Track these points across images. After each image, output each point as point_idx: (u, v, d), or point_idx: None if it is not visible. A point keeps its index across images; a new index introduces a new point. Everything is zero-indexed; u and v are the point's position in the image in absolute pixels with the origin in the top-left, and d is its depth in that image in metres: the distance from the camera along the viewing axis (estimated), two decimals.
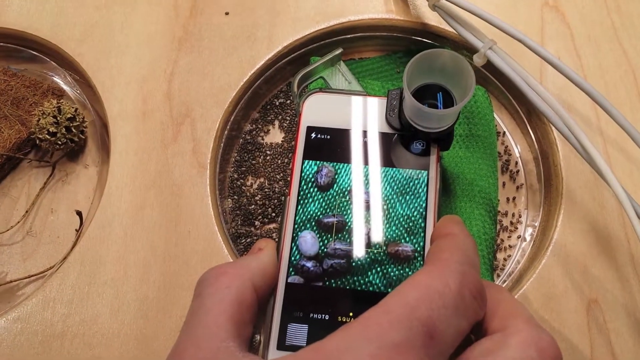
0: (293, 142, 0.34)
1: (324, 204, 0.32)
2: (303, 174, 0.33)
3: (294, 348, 0.29)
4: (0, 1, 0.53)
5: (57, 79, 0.53)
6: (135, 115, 0.49)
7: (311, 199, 0.32)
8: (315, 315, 0.29)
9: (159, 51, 0.51)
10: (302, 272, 0.31)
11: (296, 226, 0.32)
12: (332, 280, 0.30)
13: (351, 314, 0.29)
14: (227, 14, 0.52)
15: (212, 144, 0.47)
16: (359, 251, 0.31)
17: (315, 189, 0.33)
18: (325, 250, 0.31)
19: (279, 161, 0.48)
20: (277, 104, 0.51)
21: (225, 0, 0.53)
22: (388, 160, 0.33)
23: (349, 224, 0.32)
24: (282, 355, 0.26)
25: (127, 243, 0.44)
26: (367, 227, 0.31)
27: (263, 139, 0.50)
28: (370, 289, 0.30)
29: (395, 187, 0.32)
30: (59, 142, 0.47)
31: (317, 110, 0.35)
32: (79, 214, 0.46)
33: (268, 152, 0.49)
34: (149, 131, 0.48)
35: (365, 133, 0.34)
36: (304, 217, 0.32)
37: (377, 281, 0.30)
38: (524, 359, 0.23)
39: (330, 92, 0.36)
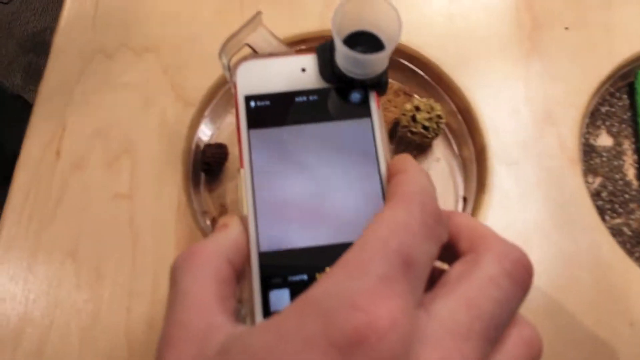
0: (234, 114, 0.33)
1: None
2: (251, 144, 0.33)
3: None
4: None
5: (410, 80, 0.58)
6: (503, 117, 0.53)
7: None
8: (294, 278, 0.29)
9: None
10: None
11: (255, 195, 0.32)
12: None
13: (327, 269, 0.29)
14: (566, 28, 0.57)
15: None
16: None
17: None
18: None
19: (615, 163, 0.54)
20: (604, 111, 0.56)
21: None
22: (330, 115, 0.33)
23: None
24: None
25: None
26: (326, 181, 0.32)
27: (595, 142, 0.55)
28: (341, 240, 0.30)
29: (343, 139, 0.33)
30: (428, 137, 0.52)
31: (251, 79, 0.34)
32: (465, 199, 0.51)
33: (604, 154, 0.54)
34: (518, 129, 0.52)
35: (303, 92, 0.34)
36: None
37: (346, 231, 0.31)
38: (499, 273, 0.24)
39: (259, 57, 0.36)
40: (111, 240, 0.47)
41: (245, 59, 0.35)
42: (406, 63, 0.56)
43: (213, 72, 0.54)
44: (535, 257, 0.46)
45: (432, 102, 0.52)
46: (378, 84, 0.34)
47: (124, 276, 0.46)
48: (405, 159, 0.30)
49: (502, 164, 0.51)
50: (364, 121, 0.33)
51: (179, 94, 0.53)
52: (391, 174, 0.30)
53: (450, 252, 0.27)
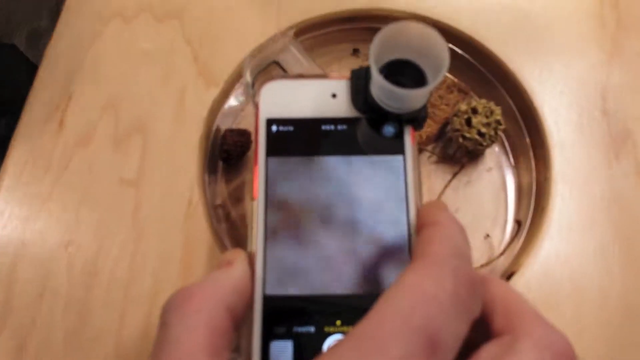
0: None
1: None
2: (269, 173, 0.30)
3: None
4: None
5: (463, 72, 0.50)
6: (572, 129, 0.46)
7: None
8: (300, 329, 0.27)
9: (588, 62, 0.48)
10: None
11: (267, 232, 0.29)
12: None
13: (338, 322, 0.27)
14: None
15: None
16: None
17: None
18: None
19: None
20: None
21: None
22: (359, 148, 0.31)
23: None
24: None
25: None
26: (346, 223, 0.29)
27: None
28: (357, 292, 0.27)
29: (370, 176, 0.30)
30: (483, 144, 0.45)
31: (275, 101, 0.32)
32: (519, 223, 0.44)
33: None
34: (588, 146, 0.45)
35: (330, 120, 0.31)
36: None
37: (364, 282, 0.28)
38: None
39: (287, 78, 0.33)
40: (111, 233, 0.42)
41: (271, 78, 0.33)
42: (465, 55, 0.49)
43: (243, 50, 0.47)
44: (594, 300, 0.40)
45: (492, 104, 0.45)
46: (415, 119, 0.31)
47: (120, 276, 0.40)
48: (439, 207, 0.27)
49: (566, 184, 0.43)
50: (396, 159, 0.30)
51: (202, 70, 0.47)
52: (421, 225, 0.26)
53: (479, 324, 0.24)
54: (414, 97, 0.30)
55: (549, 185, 0.43)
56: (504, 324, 0.23)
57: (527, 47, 0.48)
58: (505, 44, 0.48)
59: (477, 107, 0.44)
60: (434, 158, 0.48)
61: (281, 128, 0.31)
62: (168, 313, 0.25)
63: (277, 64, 0.38)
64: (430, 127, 0.47)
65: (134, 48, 0.48)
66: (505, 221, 0.45)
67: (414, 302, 0.21)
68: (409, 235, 0.28)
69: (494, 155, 0.48)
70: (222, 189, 0.46)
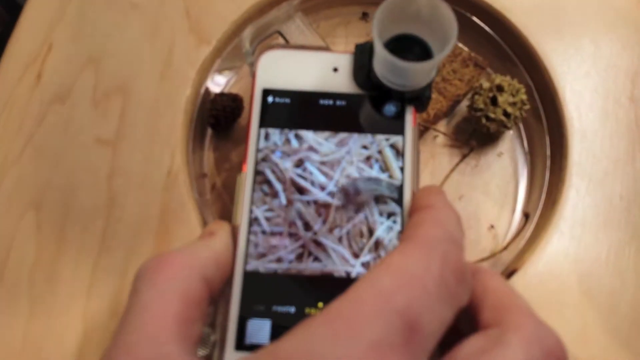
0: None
1: None
2: (260, 146, 0.29)
3: (255, 347, 0.25)
4: None
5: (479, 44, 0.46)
6: (596, 117, 0.42)
7: None
8: (279, 308, 0.26)
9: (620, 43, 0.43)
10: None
11: (253, 206, 0.28)
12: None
13: (320, 305, 0.26)
14: None
15: None
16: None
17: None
18: None
19: None
20: None
21: None
22: (357, 125, 0.30)
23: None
24: (238, 358, 0.24)
25: None
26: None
27: None
28: (342, 273, 0.27)
29: (366, 156, 0.29)
30: (507, 126, 0.41)
31: (273, 70, 0.31)
32: (527, 215, 0.41)
33: None
34: (611, 136, 0.41)
35: (330, 95, 0.30)
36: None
37: (351, 264, 0.27)
38: None
39: (287, 48, 0.32)
40: (82, 198, 0.39)
41: (271, 47, 0.32)
42: (483, 25, 0.45)
43: (240, 7, 0.43)
44: (603, 306, 0.36)
45: (515, 82, 0.41)
46: (418, 99, 0.30)
47: (90, 246, 0.37)
48: (435, 192, 0.26)
49: (583, 178, 0.39)
50: (395, 139, 0.29)
51: (193, 25, 0.43)
52: (415, 208, 0.26)
53: (467, 316, 0.23)
54: (418, 72, 0.28)
55: (563, 177, 0.39)
56: (493, 317, 0.22)
57: (553, 20, 0.43)
58: (529, 15, 0.43)
59: (503, 85, 0.40)
60: (442, 138, 0.44)
61: (277, 99, 0.30)
62: (140, 279, 0.23)
63: (279, 34, 0.36)
64: (439, 104, 0.43)
65: None
66: (513, 212, 0.42)
67: (397, 282, 0.20)
68: (402, 217, 0.27)
69: (507, 139, 0.44)
70: (209, 157, 0.43)
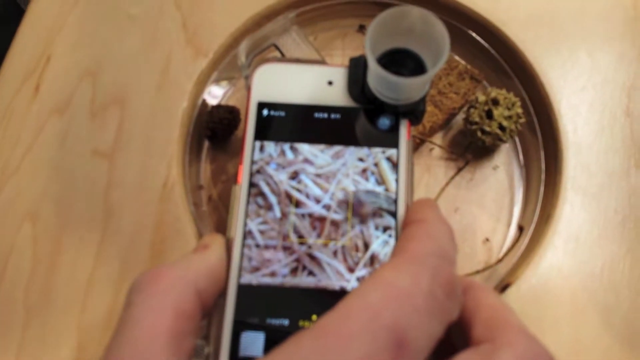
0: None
1: None
2: (255, 158, 0.29)
3: None
4: None
5: (475, 57, 0.46)
6: (591, 131, 0.42)
7: None
8: (273, 321, 0.26)
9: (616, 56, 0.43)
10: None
11: (248, 218, 0.28)
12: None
13: (314, 317, 0.26)
14: None
15: None
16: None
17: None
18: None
19: None
20: None
21: None
22: (352, 139, 0.30)
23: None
24: None
25: None
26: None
27: None
28: (337, 288, 0.27)
29: (360, 170, 0.29)
30: (503, 139, 0.41)
31: (269, 84, 0.31)
32: (521, 228, 0.41)
33: None
34: (606, 150, 0.41)
35: (324, 108, 0.31)
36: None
37: (344, 278, 0.27)
38: None
39: (283, 61, 0.33)
40: (79, 210, 0.39)
41: (267, 60, 0.32)
42: (479, 39, 0.45)
43: (237, 19, 0.43)
44: (596, 322, 0.36)
45: (511, 95, 0.41)
46: (413, 112, 0.30)
47: (86, 258, 0.38)
48: (428, 205, 0.26)
49: (578, 193, 0.39)
50: (390, 152, 0.29)
51: (190, 37, 0.43)
52: (407, 221, 0.26)
53: (459, 331, 0.23)
54: (411, 86, 0.28)
55: (558, 191, 0.39)
56: (485, 333, 0.22)
57: (549, 34, 0.44)
58: (525, 29, 0.43)
59: (498, 98, 0.40)
60: (437, 151, 0.44)
61: (272, 112, 0.30)
62: (134, 293, 0.23)
63: (275, 47, 0.36)
64: (435, 117, 0.44)
65: (121, 10, 0.44)
66: (509, 225, 0.42)
67: (386, 297, 0.20)
68: (397, 231, 0.27)
69: (502, 152, 0.44)
70: (205, 169, 0.44)
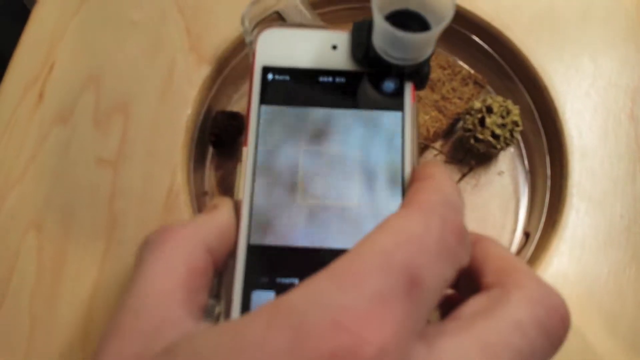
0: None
1: None
2: (261, 121, 0.29)
3: None
4: None
5: (479, 62, 0.46)
6: (595, 136, 0.41)
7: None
8: (284, 280, 0.26)
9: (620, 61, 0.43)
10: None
11: (255, 180, 0.28)
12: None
13: None
14: None
15: None
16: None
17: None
18: None
19: None
20: None
21: None
22: (356, 102, 0.30)
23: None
24: None
25: None
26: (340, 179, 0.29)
27: None
28: (346, 246, 0.27)
29: (366, 132, 0.29)
30: (496, 147, 0.41)
31: (273, 49, 0.31)
32: (527, 235, 0.41)
33: None
34: (611, 155, 0.41)
35: (329, 72, 0.31)
36: None
37: (353, 237, 0.27)
38: (529, 319, 0.20)
39: (287, 26, 0.33)
40: (84, 219, 0.39)
41: (270, 25, 0.32)
42: (482, 44, 0.45)
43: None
44: (602, 328, 0.36)
45: (509, 103, 0.41)
46: (417, 74, 0.30)
47: (91, 267, 0.37)
48: (435, 165, 0.26)
49: (583, 198, 0.39)
50: (394, 115, 0.30)
51: (194, 44, 0.43)
52: (415, 179, 0.26)
53: (471, 284, 0.23)
54: (417, 43, 0.28)
55: (563, 198, 0.39)
56: (496, 279, 0.22)
57: (553, 40, 0.43)
58: (529, 34, 0.43)
59: (492, 106, 0.40)
60: (441, 157, 0.44)
61: (277, 77, 0.31)
62: (145, 251, 0.23)
63: (278, 14, 0.36)
64: (439, 122, 0.43)
65: (123, 16, 0.44)
66: (514, 231, 0.42)
67: (397, 241, 0.20)
68: (403, 192, 0.28)
69: (507, 157, 0.44)
70: (210, 175, 0.43)
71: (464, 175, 0.43)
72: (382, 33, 0.28)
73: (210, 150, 0.44)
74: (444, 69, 0.45)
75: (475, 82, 0.44)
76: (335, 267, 0.20)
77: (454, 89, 0.44)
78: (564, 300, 0.22)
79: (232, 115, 0.43)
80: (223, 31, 0.43)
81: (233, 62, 0.44)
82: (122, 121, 0.41)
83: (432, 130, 0.43)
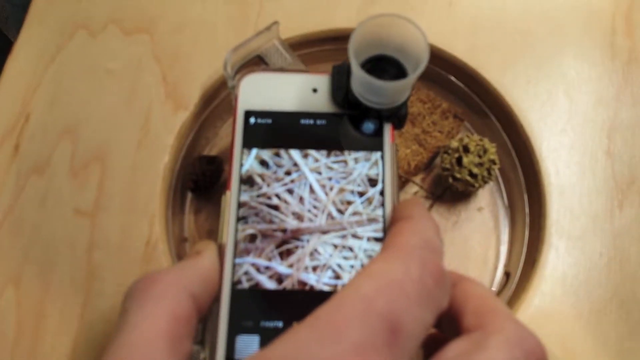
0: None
1: None
2: (243, 166, 0.30)
3: None
4: None
5: (457, 101, 0.46)
6: (573, 173, 0.42)
7: None
8: (267, 324, 0.26)
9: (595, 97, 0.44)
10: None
11: (238, 224, 0.28)
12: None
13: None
14: None
15: None
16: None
17: None
18: None
19: None
20: None
21: None
22: (337, 144, 0.30)
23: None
24: None
25: None
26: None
27: None
28: (329, 288, 0.27)
29: (346, 173, 0.30)
30: (474, 185, 0.41)
31: (255, 93, 0.32)
32: (507, 274, 0.41)
33: None
34: (589, 192, 0.41)
35: (310, 115, 0.31)
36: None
37: (335, 278, 0.27)
38: None
39: (268, 71, 0.33)
40: (62, 272, 0.38)
41: (252, 70, 0.33)
42: (459, 83, 0.45)
43: (217, 69, 0.43)
44: None
45: (486, 141, 0.41)
46: (395, 116, 0.31)
47: (70, 321, 0.37)
48: (414, 204, 0.27)
49: (562, 236, 0.39)
50: (374, 155, 0.30)
51: (170, 91, 0.43)
52: (394, 219, 0.26)
53: (453, 323, 0.24)
54: (394, 90, 0.29)
55: (542, 236, 0.39)
56: (475, 322, 0.23)
57: (527, 77, 0.44)
58: (504, 72, 0.43)
59: (469, 145, 0.40)
60: (422, 193, 0.44)
61: (259, 120, 0.31)
62: (129, 299, 0.24)
63: (260, 58, 0.37)
64: (420, 156, 0.44)
65: (98, 65, 0.44)
66: (495, 269, 0.42)
67: (378, 287, 0.20)
68: (385, 231, 0.28)
69: (487, 193, 0.44)
70: (189, 221, 0.43)
71: (431, 206, 0.43)
72: (360, 80, 0.29)
73: (189, 195, 0.44)
74: (424, 102, 0.45)
75: (455, 116, 0.45)
76: (317, 316, 0.20)
77: (434, 123, 0.44)
78: (541, 342, 0.22)
79: (210, 160, 0.43)
80: (199, 78, 0.43)
81: (211, 106, 0.44)
82: (99, 171, 0.41)
83: (412, 164, 0.43)
